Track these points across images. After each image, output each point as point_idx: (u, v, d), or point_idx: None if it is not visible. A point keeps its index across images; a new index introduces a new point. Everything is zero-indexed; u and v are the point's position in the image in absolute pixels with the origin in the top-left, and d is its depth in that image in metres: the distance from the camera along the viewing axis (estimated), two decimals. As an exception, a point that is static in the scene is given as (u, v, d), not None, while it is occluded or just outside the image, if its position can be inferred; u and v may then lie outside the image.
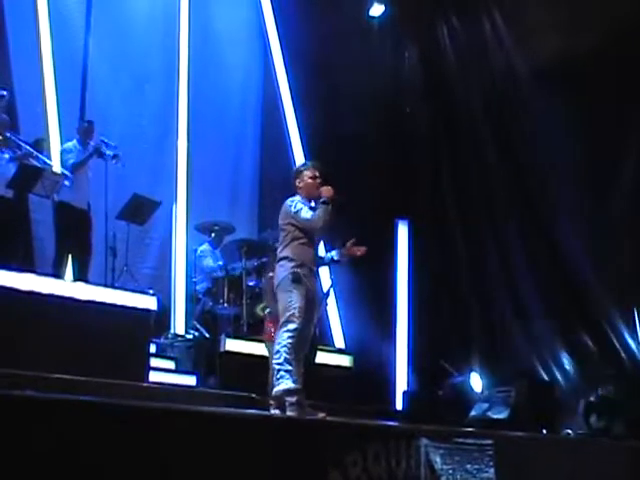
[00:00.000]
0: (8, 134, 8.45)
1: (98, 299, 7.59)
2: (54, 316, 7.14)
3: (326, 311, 10.68)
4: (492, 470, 6.20)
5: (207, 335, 9.68)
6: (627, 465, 7.65)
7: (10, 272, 7.07)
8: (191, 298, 10.23)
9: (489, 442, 6.29)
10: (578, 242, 11.31)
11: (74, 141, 9.15)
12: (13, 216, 8.62)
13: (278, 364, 6.51)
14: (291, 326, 6.55)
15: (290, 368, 6.50)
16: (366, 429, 5.81)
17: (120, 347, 7.43)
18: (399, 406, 10.99)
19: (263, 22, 12.41)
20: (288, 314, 6.59)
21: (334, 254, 7.18)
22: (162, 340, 9.59)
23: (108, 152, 9.06)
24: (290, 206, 6.84)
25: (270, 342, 7.29)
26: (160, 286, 10.18)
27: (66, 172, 8.73)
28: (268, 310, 7.98)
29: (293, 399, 6.42)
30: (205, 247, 10.52)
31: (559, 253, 11.59)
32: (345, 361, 10.50)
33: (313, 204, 6.90)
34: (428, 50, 13.38)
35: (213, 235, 10.57)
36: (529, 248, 11.92)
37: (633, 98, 10.80)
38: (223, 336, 9.16)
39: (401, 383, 11.78)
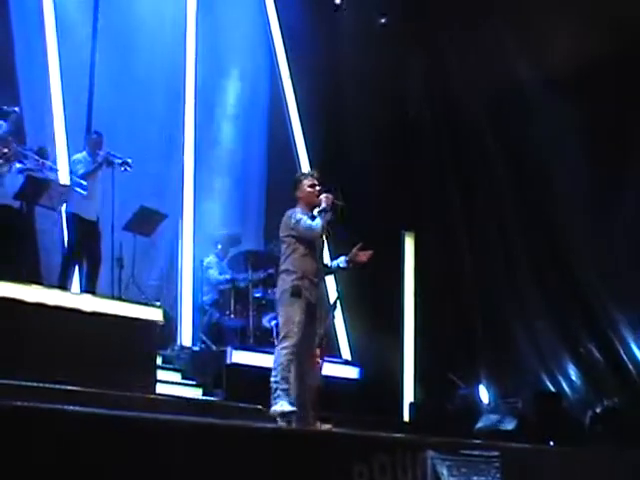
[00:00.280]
0: (17, 146, 8.49)
1: (104, 311, 7.60)
2: (60, 328, 7.14)
3: (333, 323, 10.67)
4: (498, 482, 6.19)
5: (214, 347, 9.68)
6: (634, 476, 7.62)
7: (17, 284, 7.07)
8: (198, 309, 10.23)
9: (495, 454, 6.28)
10: (585, 253, 11.31)
11: (84, 152, 9.18)
12: (20, 227, 8.65)
13: (275, 382, 6.51)
14: (288, 343, 6.56)
15: (287, 387, 6.51)
16: (372, 440, 5.80)
17: (127, 359, 7.43)
18: (406, 417, 10.97)
19: (269, 32, 12.47)
20: (286, 329, 6.60)
21: (341, 261, 7.13)
22: (168, 352, 9.58)
23: (117, 160, 9.08)
24: (290, 217, 6.84)
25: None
26: (167, 298, 10.19)
27: (83, 182, 8.77)
28: None
29: (286, 422, 6.38)
30: (211, 259, 10.51)
31: (566, 265, 11.58)
32: (352, 373, 10.50)
33: (316, 212, 6.88)
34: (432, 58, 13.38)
35: (219, 247, 10.58)
36: (535, 259, 11.91)
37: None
38: (230, 348, 9.18)
39: (408, 394, 11.76)
